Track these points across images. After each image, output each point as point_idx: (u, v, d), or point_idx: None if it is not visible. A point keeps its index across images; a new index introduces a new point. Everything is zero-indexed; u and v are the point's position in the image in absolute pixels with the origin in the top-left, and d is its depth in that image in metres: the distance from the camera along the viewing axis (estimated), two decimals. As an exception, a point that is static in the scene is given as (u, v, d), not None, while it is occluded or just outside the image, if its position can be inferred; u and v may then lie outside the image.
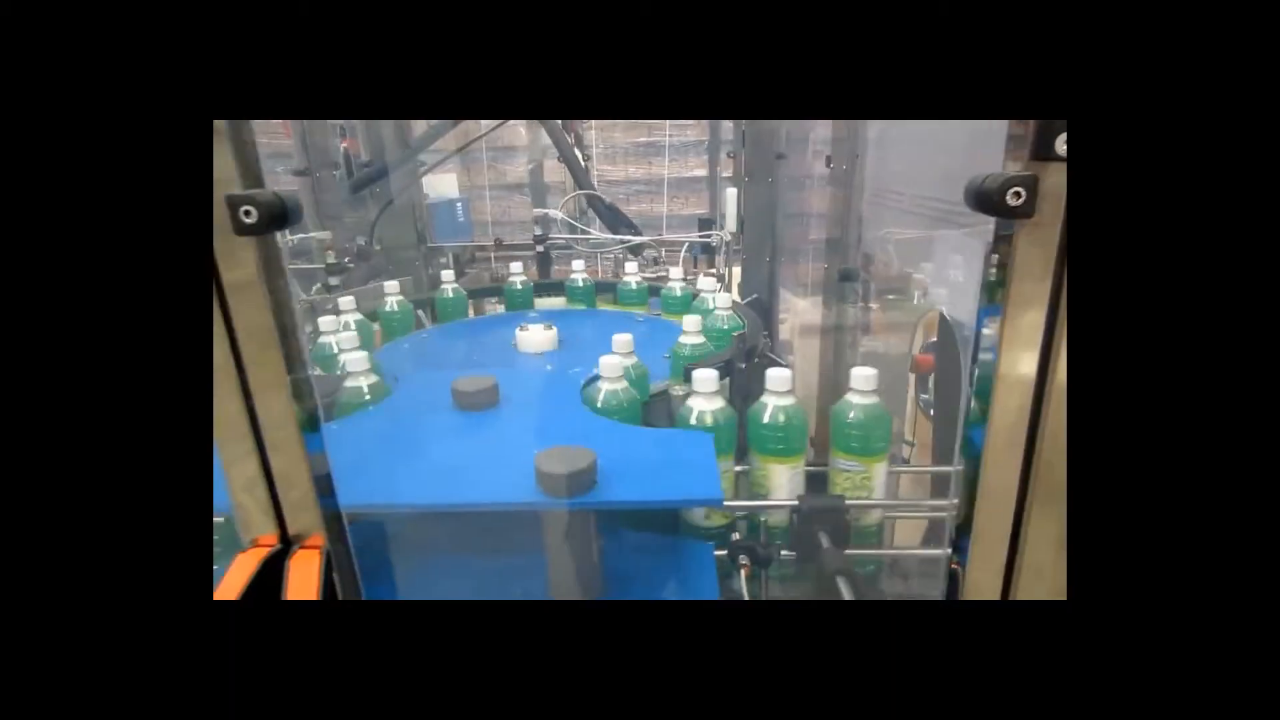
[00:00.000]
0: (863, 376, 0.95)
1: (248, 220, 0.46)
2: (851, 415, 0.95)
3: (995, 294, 0.52)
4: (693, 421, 0.98)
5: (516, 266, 1.75)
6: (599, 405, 1.00)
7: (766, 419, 0.97)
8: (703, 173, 5.30)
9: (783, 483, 0.99)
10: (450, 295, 1.64)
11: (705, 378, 0.99)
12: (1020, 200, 0.45)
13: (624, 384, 1.01)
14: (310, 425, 0.51)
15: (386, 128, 2.01)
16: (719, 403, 0.99)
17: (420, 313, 1.62)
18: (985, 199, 0.45)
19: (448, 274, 1.68)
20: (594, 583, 0.90)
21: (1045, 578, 0.50)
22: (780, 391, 0.97)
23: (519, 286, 1.71)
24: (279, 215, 0.46)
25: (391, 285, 1.55)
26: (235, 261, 0.48)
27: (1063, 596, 0.51)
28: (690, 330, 1.19)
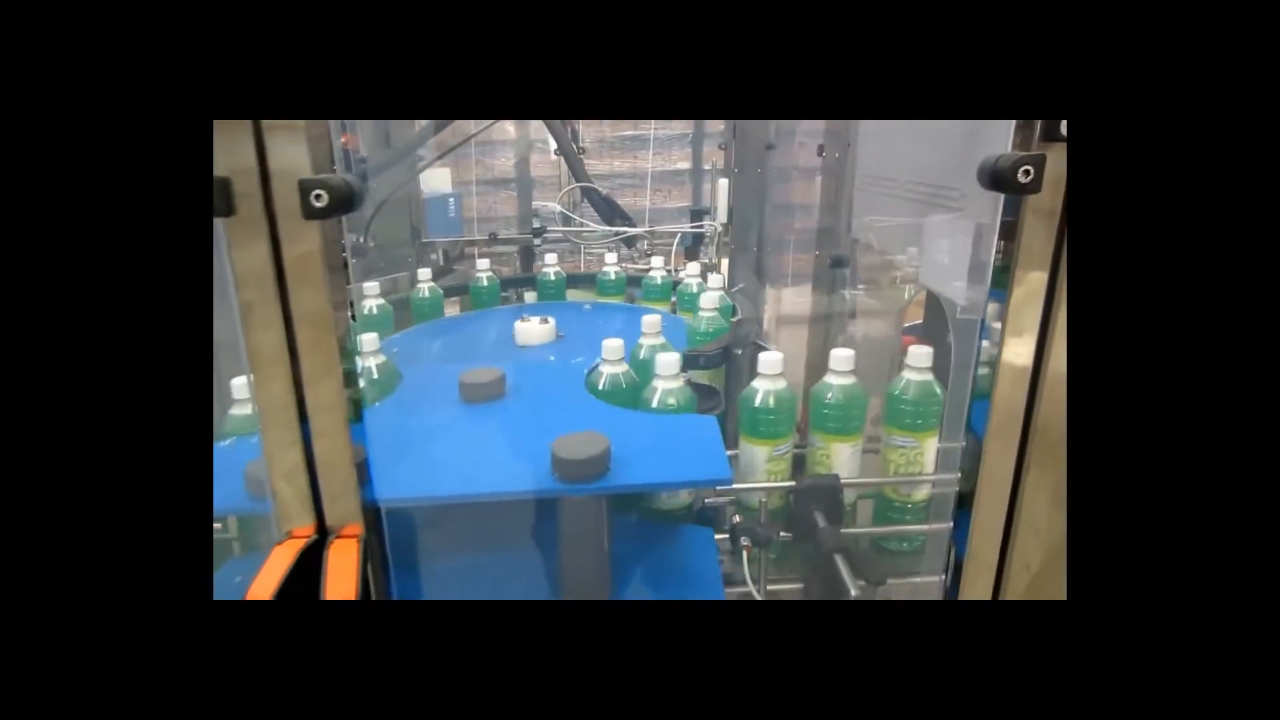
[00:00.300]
0: (919, 354, 0.99)
1: (318, 204, 0.48)
2: (908, 393, 1.00)
3: (1000, 279, 0.56)
4: (757, 404, 1.01)
5: (551, 258, 1.78)
6: (654, 405, 1.02)
7: (829, 398, 1.01)
8: (686, 165, 5.32)
9: (844, 460, 1.03)
10: (485, 284, 1.69)
11: (771, 360, 1.02)
12: (1029, 178, 0.49)
13: (679, 381, 1.03)
14: (355, 414, 0.53)
15: (381, 124, 2.03)
16: (781, 384, 1.02)
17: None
18: (999, 177, 0.49)
19: (483, 263, 1.72)
20: (604, 570, 0.93)
21: (1041, 533, 0.54)
22: (842, 371, 1.01)
23: (552, 278, 1.74)
24: (347, 199, 0.48)
25: (424, 272, 1.60)
26: (298, 246, 0.50)
27: (1057, 552, 0.55)
28: (649, 332, 1.21)
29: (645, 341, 1.20)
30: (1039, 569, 0.55)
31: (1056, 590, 0.56)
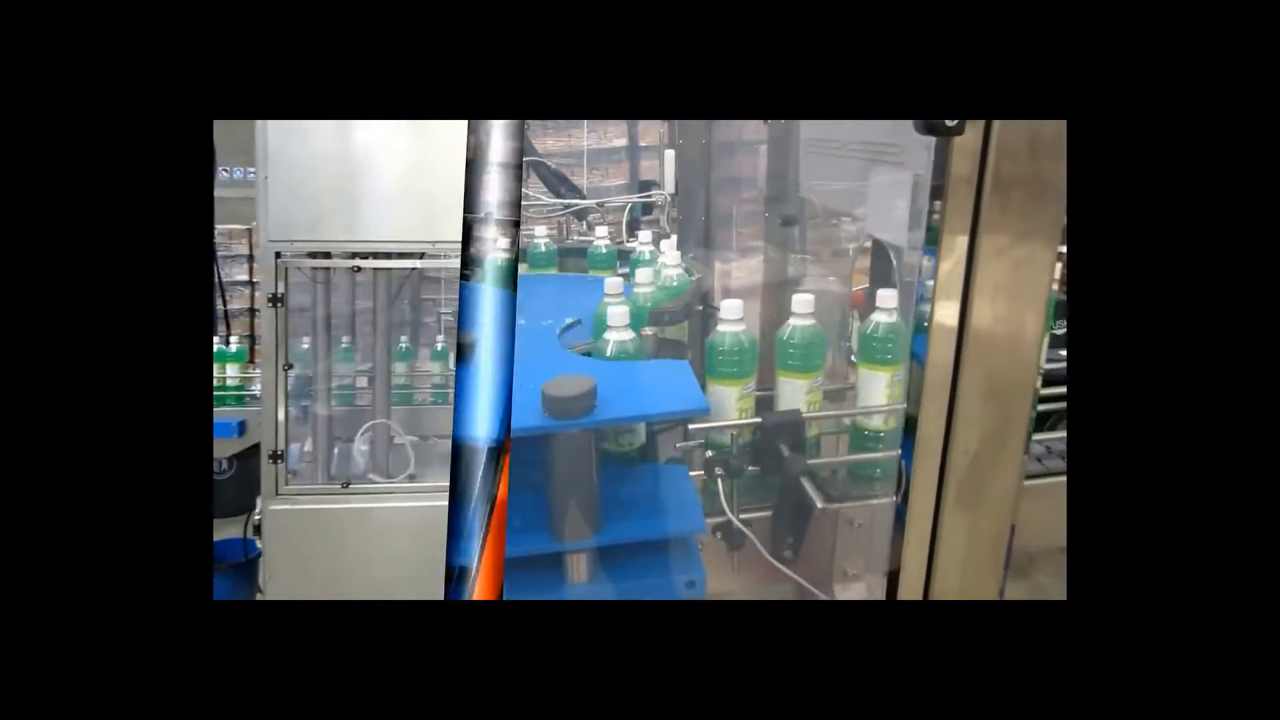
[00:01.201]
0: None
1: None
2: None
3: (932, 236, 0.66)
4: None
5: (602, 231, 1.83)
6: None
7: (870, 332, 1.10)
8: (622, 143, 5.34)
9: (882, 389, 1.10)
10: (542, 250, 1.75)
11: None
12: (955, 121, 0.59)
13: (743, 325, 1.10)
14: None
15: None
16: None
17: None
18: (931, 123, 0.59)
19: (540, 230, 1.78)
20: (594, 502, 1.01)
21: (974, 421, 0.65)
22: (888, 309, 1.07)
23: (542, 249, 1.79)
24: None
25: None
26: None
27: (990, 436, 0.66)
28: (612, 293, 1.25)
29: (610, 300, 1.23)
30: (976, 449, 0.66)
31: (989, 468, 0.67)
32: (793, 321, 1.10)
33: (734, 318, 1.11)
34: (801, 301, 1.10)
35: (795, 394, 1.12)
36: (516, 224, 0.56)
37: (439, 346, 2.17)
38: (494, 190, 0.55)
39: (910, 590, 0.72)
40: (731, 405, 1.12)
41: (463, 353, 0.57)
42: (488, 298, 0.56)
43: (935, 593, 0.72)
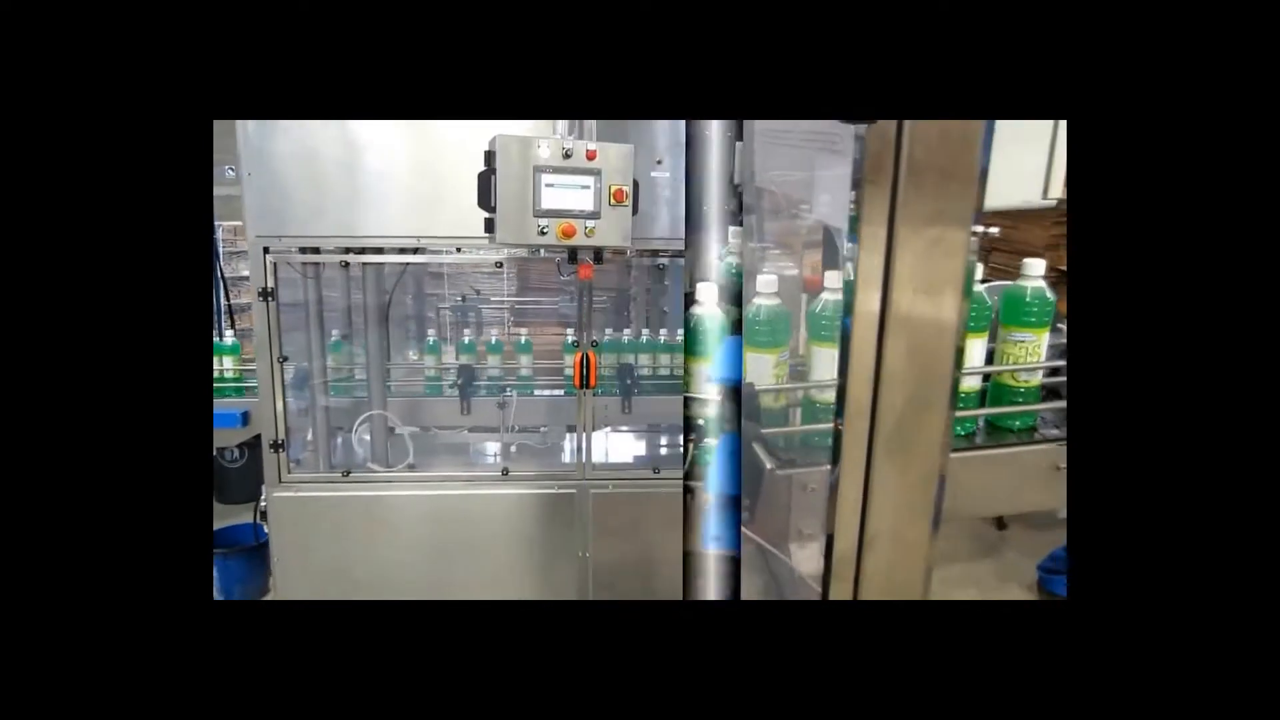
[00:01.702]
0: (1033, 264, 1.20)
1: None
2: (1028, 296, 1.20)
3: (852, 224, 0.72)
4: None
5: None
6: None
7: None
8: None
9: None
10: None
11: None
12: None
13: (778, 299, 1.20)
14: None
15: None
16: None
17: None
18: (859, 108, 0.65)
19: None
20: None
21: (899, 381, 0.72)
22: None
23: None
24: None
25: None
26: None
27: (911, 398, 0.74)
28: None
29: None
30: (902, 406, 0.73)
31: (916, 419, 0.74)
32: (824, 296, 1.20)
33: (769, 290, 1.20)
34: (832, 277, 1.19)
35: (828, 362, 1.20)
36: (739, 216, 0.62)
37: (466, 340, 2.18)
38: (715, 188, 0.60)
39: (845, 537, 0.79)
40: (768, 372, 1.21)
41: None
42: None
43: (868, 538, 0.79)
